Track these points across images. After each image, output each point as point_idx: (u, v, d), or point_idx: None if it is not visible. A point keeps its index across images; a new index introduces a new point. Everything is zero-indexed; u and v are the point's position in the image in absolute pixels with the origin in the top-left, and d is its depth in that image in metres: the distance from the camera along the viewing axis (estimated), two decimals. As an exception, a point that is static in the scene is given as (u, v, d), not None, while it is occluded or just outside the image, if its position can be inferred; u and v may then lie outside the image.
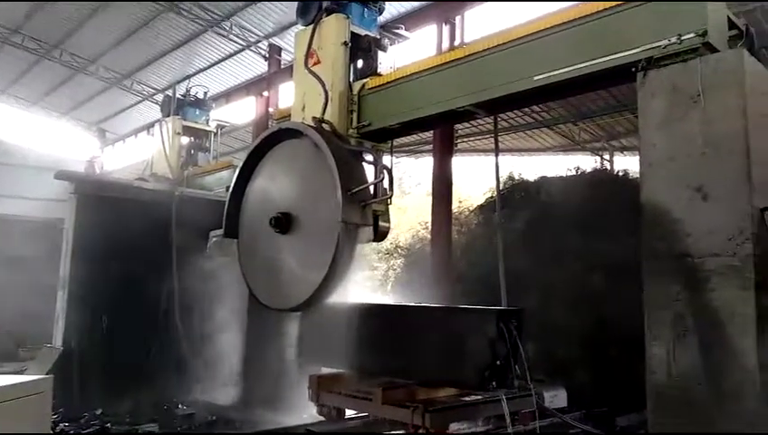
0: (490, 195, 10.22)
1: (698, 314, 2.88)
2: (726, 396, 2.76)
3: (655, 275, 3.07)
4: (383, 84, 4.71)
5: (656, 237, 3.09)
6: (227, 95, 15.40)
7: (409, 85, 4.56)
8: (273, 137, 5.01)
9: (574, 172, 9.59)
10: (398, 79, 4.62)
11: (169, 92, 10.29)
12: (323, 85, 4.71)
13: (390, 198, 4.79)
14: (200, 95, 10.54)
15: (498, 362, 3.46)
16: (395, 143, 12.77)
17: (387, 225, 4.91)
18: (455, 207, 10.21)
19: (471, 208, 10.05)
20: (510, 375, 3.55)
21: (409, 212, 9.71)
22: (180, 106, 10.02)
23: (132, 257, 6.69)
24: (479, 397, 3.69)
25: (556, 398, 5.50)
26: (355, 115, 4.85)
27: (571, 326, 7.32)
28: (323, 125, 4.63)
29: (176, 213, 7.30)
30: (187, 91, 10.28)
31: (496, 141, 6.04)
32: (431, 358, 3.76)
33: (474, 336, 3.52)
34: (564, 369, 6.93)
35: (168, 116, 9.88)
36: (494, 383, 3.50)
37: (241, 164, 5.18)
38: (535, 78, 3.72)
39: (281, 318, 5.66)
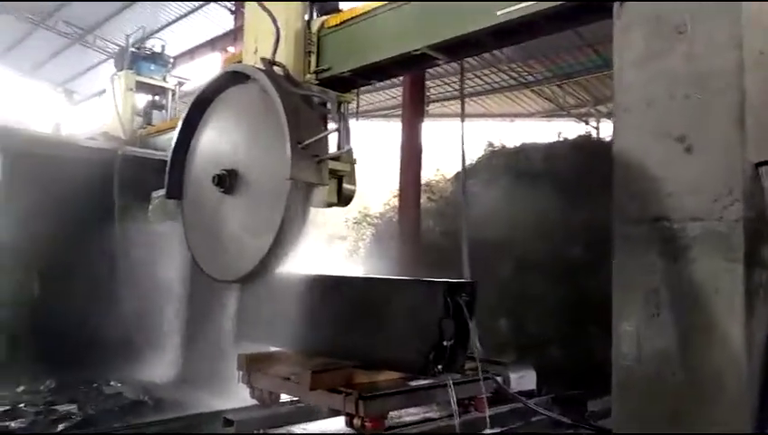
0: (472, 162, 9.76)
1: (676, 289, 2.44)
2: (706, 387, 2.34)
3: (626, 242, 2.61)
4: (342, 23, 4.17)
5: (629, 198, 2.63)
6: (192, 52, 14.69)
7: (365, 24, 4.03)
8: (218, 83, 4.41)
9: (557, 139, 9.12)
10: (356, 16, 4.09)
11: (123, 45, 9.65)
12: (274, 21, 4.11)
13: (349, 153, 4.27)
14: (158, 49, 9.91)
15: (444, 343, 3.01)
16: (370, 106, 12.19)
17: (352, 187, 4.38)
18: (432, 174, 9.74)
19: (448, 177, 9.59)
20: (459, 358, 3.11)
21: (384, 179, 9.23)
22: (135, 60, 9.39)
23: (68, 220, 6.17)
24: (427, 382, 3.25)
25: (523, 380, 5.11)
26: (314, 58, 4.29)
27: (547, 301, 6.94)
28: (275, 68, 4.04)
29: (119, 173, 6.76)
30: (142, 42, 9.62)
31: (462, 102, 5.51)
32: (371, 337, 3.31)
33: (416, 313, 3.08)
34: (538, 347, 6.57)
35: (121, 70, 9.27)
36: (439, 367, 3.06)
37: (183, 115, 4.63)
38: (498, 13, 3.22)
39: (226, 290, 5.18)
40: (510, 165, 9.02)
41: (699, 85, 2.46)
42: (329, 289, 3.53)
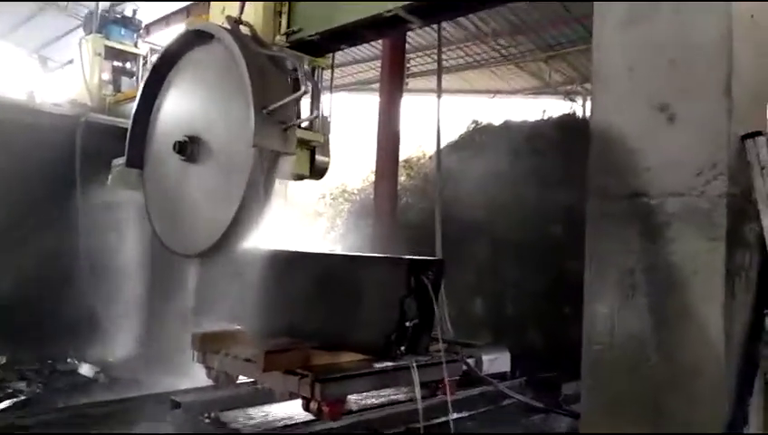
0: (454, 138, 9.55)
1: (652, 270, 2.28)
2: (681, 374, 2.19)
3: (601, 220, 2.45)
4: (313, -20, 3.89)
5: (605, 171, 2.45)
6: (167, 19, 14.15)
7: (336, -18, 3.76)
8: (180, 43, 4.10)
9: (541, 117, 8.94)
10: (329, -28, 3.81)
11: (91, 8, 9.26)
12: None
13: (322, 122, 4.02)
14: (129, 13, 9.52)
15: (407, 324, 2.84)
16: (352, 77, 11.85)
17: (325, 159, 4.12)
18: (413, 151, 9.53)
19: (429, 154, 9.38)
20: (423, 339, 2.94)
21: (363, 154, 9.01)
22: (104, 24, 9.01)
23: (24, 190, 5.88)
24: (390, 364, 3.08)
25: (497, 362, 4.99)
26: (285, 19, 4.01)
27: (526, 281, 6.81)
28: (242, 28, 3.76)
29: (82, 141, 6.45)
30: (110, 6, 9.24)
31: (439, 77, 5.28)
32: (332, 316, 3.13)
33: (377, 291, 2.90)
34: (514, 329, 6.46)
35: (90, 34, 8.90)
36: (401, 349, 2.89)
37: (145, 78, 4.34)
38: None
39: (188, 265, 4.96)
40: (493, 142, 8.83)
41: (685, 51, 2.27)
42: (290, 265, 3.34)
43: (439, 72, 5.23)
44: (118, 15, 9.32)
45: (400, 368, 3.05)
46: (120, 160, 5.19)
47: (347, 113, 12.17)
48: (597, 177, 2.48)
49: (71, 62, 21.05)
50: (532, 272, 6.70)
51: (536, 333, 6.33)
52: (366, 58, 10.69)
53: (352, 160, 8.86)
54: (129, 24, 9.37)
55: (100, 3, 9.18)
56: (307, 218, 9.76)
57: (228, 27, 3.68)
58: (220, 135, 3.65)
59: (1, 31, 20.58)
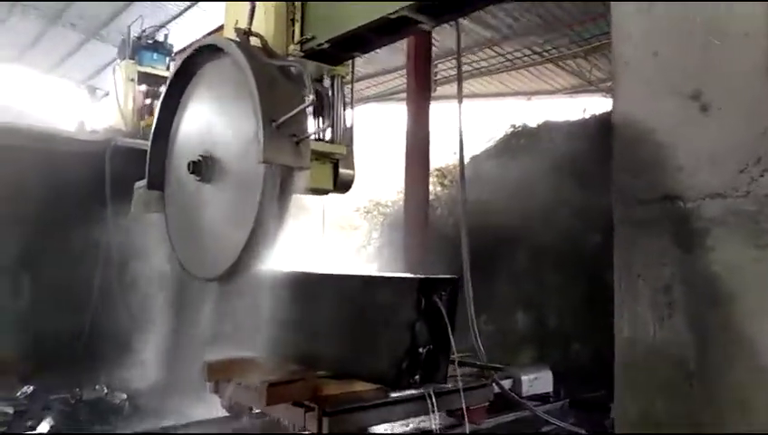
0: (490, 143, 9.24)
1: (691, 285, 1.96)
2: (728, 407, 1.85)
3: (629, 228, 2.14)
4: (325, -16, 3.71)
5: (632, 172, 2.15)
6: (198, 42, 14.37)
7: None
8: (191, 60, 4.00)
9: (581, 116, 8.52)
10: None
11: (124, 35, 9.44)
12: None
13: (345, 133, 3.83)
14: (160, 38, 9.65)
15: (420, 350, 2.59)
16: (383, 87, 11.64)
17: (350, 172, 3.92)
18: (447, 159, 9.25)
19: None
20: (440, 366, 2.67)
21: (396, 165, 8.81)
22: (136, 50, 9.15)
23: (58, 217, 5.94)
24: (408, 393, 2.84)
25: (537, 382, 4.65)
26: (298, 27, 3.85)
27: (569, 293, 6.41)
28: (253, 39, 3.61)
29: (111, 165, 6.49)
30: (143, 32, 9.38)
31: (460, 80, 5.00)
32: (341, 342, 2.91)
33: (386, 315, 2.66)
34: (558, 344, 6.07)
35: (123, 61, 9.05)
36: (416, 378, 2.63)
37: (162, 97, 4.27)
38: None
39: (210, 288, 4.82)
40: (531, 145, 8.46)
41: (719, 28, 1.96)
42: (299, 287, 3.14)
43: (459, 76, 4.96)
44: (149, 41, 9.45)
45: (416, 398, 2.79)
46: (142, 183, 5.14)
47: (380, 124, 12.01)
48: (622, 179, 2.18)
49: (114, 89, 21.66)
50: (576, 282, 6.30)
51: (582, 348, 5.92)
52: (398, 66, 10.50)
53: (386, 172, 8.65)
54: (160, 48, 9.49)
55: (133, 30, 9.33)
56: (343, 232, 9.59)
57: (237, 40, 3.54)
58: (232, 152, 3.51)
59: (49, 64, 21.48)
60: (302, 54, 3.79)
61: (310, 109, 3.65)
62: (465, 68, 10.60)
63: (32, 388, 5.13)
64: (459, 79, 4.83)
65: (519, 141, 8.57)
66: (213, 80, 3.83)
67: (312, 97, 3.37)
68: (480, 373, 3.41)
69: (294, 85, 3.59)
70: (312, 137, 3.73)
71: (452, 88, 11.34)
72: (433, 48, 7.33)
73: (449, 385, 3.14)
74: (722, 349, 1.88)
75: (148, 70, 9.13)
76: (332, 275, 3.04)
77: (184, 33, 12.87)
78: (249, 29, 3.58)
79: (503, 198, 7.36)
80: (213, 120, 3.75)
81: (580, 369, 5.37)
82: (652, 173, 2.07)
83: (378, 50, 4.56)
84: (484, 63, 10.10)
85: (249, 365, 3.36)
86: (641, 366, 2.04)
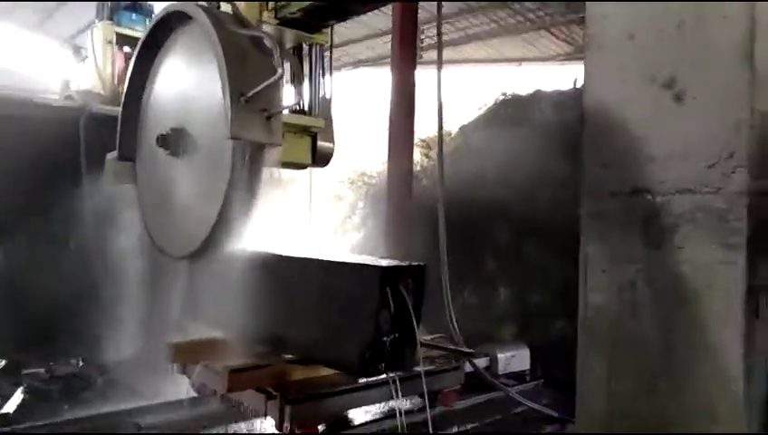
0: (480, 112, 9.05)
1: (658, 284, 1.88)
2: (693, 414, 1.80)
3: (596, 221, 2.06)
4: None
5: (602, 162, 2.05)
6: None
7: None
8: (160, 25, 3.80)
9: (572, 86, 8.33)
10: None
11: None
12: None
13: (324, 105, 3.68)
14: (141, -2, 9.31)
15: (385, 339, 2.52)
16: (372, 52, 11.34)
17: (329, 145, 3.77)
18: (435, 129, 9.07)
19: (452, 132, 8.90)
20: (406, 354, 2.62)
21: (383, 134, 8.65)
22: (114, 10, 8.83)
23: (30, 186, 5.78)
24: (370, 380, 2.79)
25: (514, 360, 4.63)
26: None
27: (553, 267, 6.35)
28: (222, 5, 3.43)
29: (85, 133, 6.30)
30: (124, -9, 9.04)
31: (440, 46, 4.80)
32: (308, 328, 2.84)
33: (350, 303, 2.58)
34: (540, 321, 6.04)
35: (101, 21, 8.75)
36: (381, 366, 2.57)
37: (132, 64, 4.09)
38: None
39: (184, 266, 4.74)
40: (520, 115, 8.28)
41: (696, 13, 1.84)
42: (267, 268, 3.05)
43: (440, 46, 4.77)
44: (128, 1, 9.09)
45: (384, 383, 2.74)
46: (114, 153, 5.00)
47: (372, 89, 11.78)
48: (592, 169, 2.08)
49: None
50: (561, 257, 6.23)
51: (565, 325, 5.90)
52: (382, 32, 10.22)
53: (374, 141, 8.48)
54: (139, 9, 9.14)
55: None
56: (328, 203, 9.47)
57: (205, 5, 3.36)
58: (202, 126, 3.37)
59: (33, 22, 20.95)
60: (277, 22, 3.63)
61: (286, 81, 3.51)
62: (456, 34, 10.34)
63: (2, 362, 5.06)
64: (439, 49, 4.65)
65: (507, 111, 8.39)
66: (183, 48, 3.66)
67: (280, 70, 3.22)
68: (452, 356, 3.36)
69: (267, 56, 3.43)
70: (289, 110, 3.60)
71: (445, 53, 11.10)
72: (421, 12, 7.10)
73: (421, 368, 3.10)
74: (687, 351, 1.81)
75: (127, 32, 8.83)
76: (298, 257, 2.95)
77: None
78: (221, -6, 3.41)
79: (491, 171, 7.23)
80: (183, 91, 3.59)
81: (561, 346, 5.35)
82: (623, 164, 1.98)
83: (361, 15, 4.38)
84: (477, 29, 9.84)
85: (216, 347, 3.28)
86: (602, 370, 1.98)
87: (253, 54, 3.27)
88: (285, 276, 3.06)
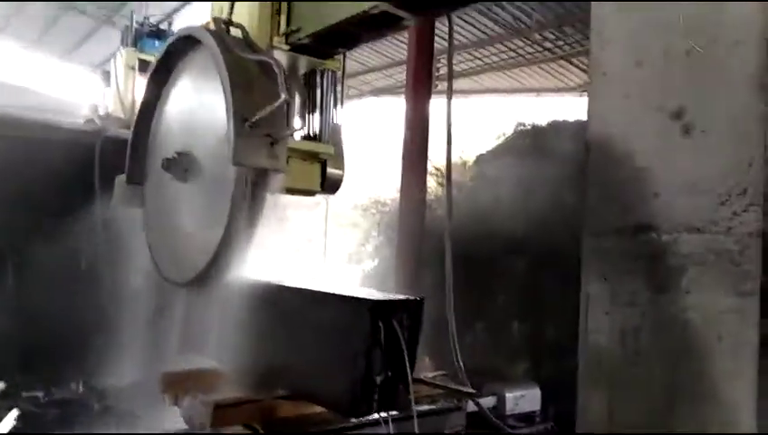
0: (498, 141, 8.95)
1: (661, 331, 1.72)
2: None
3: (597, 260, 1.90)
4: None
5: (604, 199, 1.91)
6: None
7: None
8: (172, 50, 3.78)
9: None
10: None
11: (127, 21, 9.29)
12: None
13: (334, 131, 3.60)
14: (165, 26, 9.50)
15: (377, 379, 2.37)
16: (391, 81, 11.37)
17: (338, 172, 3.68)
18: (456, 157, 8.99)
19: (469, 162, 8.79)
20: (400, 393, 2.45)
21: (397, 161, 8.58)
22: (138, 37, 9.01)
23: (43, 209, 5.80)
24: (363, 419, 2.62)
25: (523, 399, 4.41)
26: (284, 18, 3.61)
27: (569, 302, 6.14)
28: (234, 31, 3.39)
29: (101, 156, 6.34)
30: (146, 18, 9.23)
31: (450, 76, 4.71)
32: (299, 361, 2.70)
33: (340, 338, 2.44)
34: (554, 357, 5.82)
35: (126, 48, 8.91)
36: (373, 405, 2.42)
37: (144, 89, 4.08)
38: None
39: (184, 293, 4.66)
40: (538, 145, 8.15)
41: (705, 37, 1.71)
42: (260, 298, 2.93)
43: (450, 74, 4.65)
44: (153, 29, 9.28)
45: (374, 423, 2.58)
46: (123, 176, 4.98)
47: (388, 117, 11.78)
48: (594, 202, 1.94)
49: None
50: (577, 291, 6.04)
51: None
52: (402, 61, 10.23)
53: (389, 168, 8.42)
54: (163, 36, 9.31)
55: (135, 17, 9.18)
56: (342, 230, 9.38)
57: (213, 30, 3.33)
58: (207, 151, 3.31)
59: (64, 50, 21.53)
60: (288, 48, 3.58)
61: (296, 106, 3.44)
62: (474, 63, 10.28)
63: (2, 384, 5.00)
64: (450, 77, 4.52)
65: (526, 141, 8.26)
66: (192, 72, 3.64)
67: (284, 95, 3.16)
68: (451, 395, 3.18)
69: (273, 82, 3.37)
70: (299, 135, 3.53)
71: (459, 82, 11.05)
72: (438, 41, 7.07)
73: (424, 407, 2.93)
74: (693, 406, 1.64)
75: (150, 58, 8.95)
76: (290, 286, 2.82)
77: (193, 21, 12.73)
78: (230, 19, 3.38)
79: (507, 201, 7.08)
80: (190, 116, 3.55)
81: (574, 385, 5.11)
82: (627, 199, 1.83)
83: (365, 44, 4.32)
84: (495, 58, 9.77)
85: (208, 378, 3.16)
86: (603, 419, 1.81)
87: (259, 80, 3.22)
88: (277, 306, 2.95)
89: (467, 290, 4.87)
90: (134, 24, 9.09)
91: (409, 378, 2.51)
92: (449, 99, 4.97)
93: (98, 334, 5.32)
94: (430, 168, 7.38)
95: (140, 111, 4.09)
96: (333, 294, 2.66)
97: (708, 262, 1.63)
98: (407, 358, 2.45)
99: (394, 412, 2.58)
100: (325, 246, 10.08)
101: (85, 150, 6.38)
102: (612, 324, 1.84)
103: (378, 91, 12.99)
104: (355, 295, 2.62)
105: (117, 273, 5.39)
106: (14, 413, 4.40)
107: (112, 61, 8.84)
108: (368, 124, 13.18)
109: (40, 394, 5.12)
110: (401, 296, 2.60)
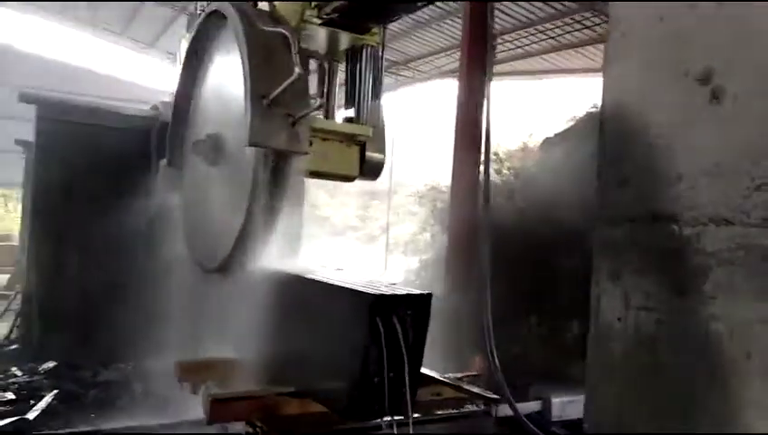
0: (570, 123, 8.44)
1: (681, 343, 1.42)
2: None
3: (610, 255, 1.61)
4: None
5: (618, 180, 1.60)
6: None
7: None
8: (204, 28, 3.69)
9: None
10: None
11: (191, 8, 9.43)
12: None
13: (374, 112, 3.38)
14: (229, 11, 9.53)
15: (376, 379, 2.18)
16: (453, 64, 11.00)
17: (379, 156, 3.48)
18: (511, 142, 8.54)
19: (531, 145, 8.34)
20: (405, 397, 2.25)
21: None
22: (203, 23, 9.08)
23: (105, 191, 5.98)
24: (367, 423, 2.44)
25: (572, 405, 4.06)
26: None
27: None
28: (261, 4, 3.24)
29: (157, 140, 6.45)
30: (208, 5, 9.29)
31: (490, 57, 4.32)
32: (301, 357, 2.55)
33: (340, 334, 2.26)
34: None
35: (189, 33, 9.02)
36: (374, 408, 2.23)
37: (180, 70, 4.04)
38: None
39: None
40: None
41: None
42: (274, 288, 2.80)
43: (490, 57, 4.28)
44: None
45: (378, 428, 2.39)
46: (164, 160, 5.01)
47: (446, 103, 11.44)
48: (606, 187, 1.64)
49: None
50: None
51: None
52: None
53: (445, 154, 8.13)
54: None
55: (199, 3, 9.31)
56: (398, 219, 9.18)
57: (237, 3, 3.18)
58: (234, 132, 3.20)
59: (146, 41, 22.44)
60: (320, 21, 3.37)
61: (340, 84, 3.23)
62: (547, 42, 9.67)
63: (53, 363, 5.19)
64: (490, 60, 4.17)
65: (594, 124, 7.71)
66: (219, 52, 3.52)
67: (297, 69, 2.94)
68: (472, 399, 2.93)
69: (289, 55, 3.16)
70: (338, 116, 3.32)
71: (528, 62, 10.52)
72: (498, 22, 6.70)
73: (447, 411, 2.75)
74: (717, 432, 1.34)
75: (213, 43, 9.06)
76: (302, 276, 2.65)
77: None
78: (260, -8, 3.23)
79: (568, 190, 6.62)
80: (219, 96, 3.45)
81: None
82: (644, 182, 1.53)
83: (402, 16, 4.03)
84: (569, 37, 9.15)
85: (222, 368, 3.08)
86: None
87: (280, 54, 2.99)
88: (291, 297, 2.80)
89: (519, 283, 4.58)
90: (198, 11, 9.22)
91: (406, 379, 2.29)
92: (488, 88, 4.60)
93: (154, 318, 5.42)
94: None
95: (177, 96, 4.01)
96: (338, 286, 2.47)
97: (738, 261, 1.31)
98: (405, 358, 2.24)
99: (399, 417, 2.39)
100: (387, 235, 9.88)
101: (144, 136, 6.55)
102: (626, 332, 1.54)
103: (443, 74, 12.60)
104: (356, 288, 2.41)
105: (169, 257, 5.46)
106: (53, 393, 4.57)
107: (177, 47, 8.99)
108: (431, 108, 12.85)
109: (88, 374, 5.32)
110: (405, 291, 2.38)
